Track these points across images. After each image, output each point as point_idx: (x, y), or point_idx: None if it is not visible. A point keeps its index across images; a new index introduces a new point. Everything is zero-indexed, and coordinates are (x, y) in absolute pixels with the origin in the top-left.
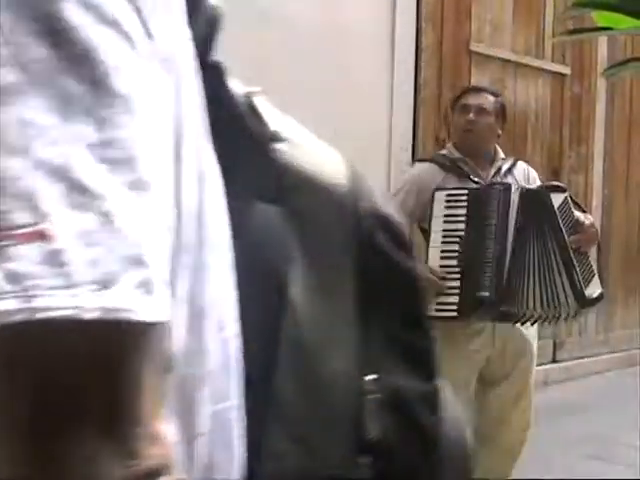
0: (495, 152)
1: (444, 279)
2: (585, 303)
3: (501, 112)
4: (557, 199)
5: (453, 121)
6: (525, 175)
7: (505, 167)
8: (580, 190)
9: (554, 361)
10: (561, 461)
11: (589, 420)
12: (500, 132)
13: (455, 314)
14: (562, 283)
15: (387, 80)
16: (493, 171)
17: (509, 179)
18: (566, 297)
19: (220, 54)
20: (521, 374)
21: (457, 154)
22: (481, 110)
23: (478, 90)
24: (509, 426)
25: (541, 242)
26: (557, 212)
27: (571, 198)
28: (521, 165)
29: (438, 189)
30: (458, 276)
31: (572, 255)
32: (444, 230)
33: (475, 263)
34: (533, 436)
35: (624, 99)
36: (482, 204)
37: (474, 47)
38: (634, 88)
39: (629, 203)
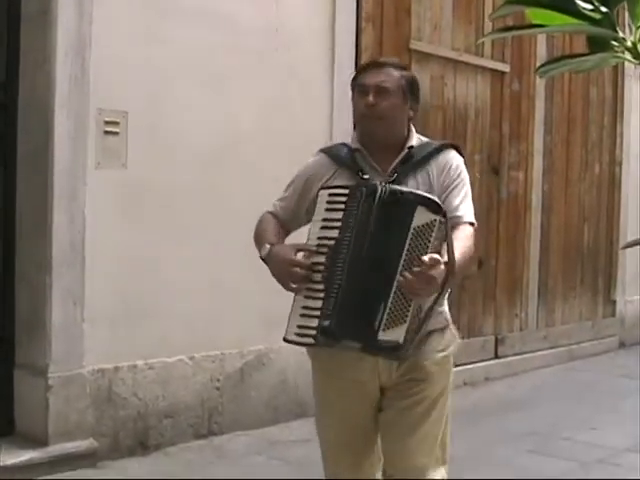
0: (407, 138)
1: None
2: (374, 345)
3: (409, 89)
4: (422, 217)
5: (353, 104)
6: (444, 168)
7: (415, 159)
8: (520, 187)
9: (496, 357)
10: (502, 455)
11: (530, 415)
12: (412, 113)
13: (312, 340)
14: (368, 312)
15: (328, 80)
16: (395, 164)
17: (416, 174)
18: (363, 330)
19: (158, 51)
20: (417, 403)
21: (355, 143)
22: (382, 90)
23: (379, 65)
24: (409, 457)
25: (379, 264)
26: (410, 233)
27: (445, 223)
28: (446, 155)
29: (323, 187)
30: (321, 295)
31: (392, 289)
32: (319, 238)
33: (330, 284)
34: (475, 431)
35: (563, 96)
36: (350, 209)
37: (414, 45)
38: (572, 85)
39: (568, 199)
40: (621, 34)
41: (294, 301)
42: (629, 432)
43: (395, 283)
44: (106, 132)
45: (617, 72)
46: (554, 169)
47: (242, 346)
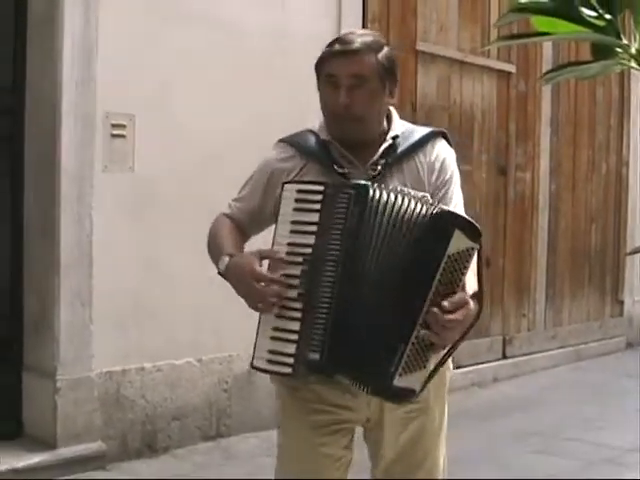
0: (389, 127)
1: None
2: (385, 391)
3: (387, 73)
4: (459, 244)
5: (319, 93)
6: (435, 162)
7: (400, 150)
8: (527, 187)
9: (504, 357)
10: (509, 455)
11: (538, 415)
12: (392, 99)
13: (289, 370)
14: (384, 351)
15: None
16: (376, 156)
17: (402, 169)
18: (375, 372)
19: (164, 54)
20: (416, 439)
21: (325, 134)
22: (357, 83)
23: (352, 53)
24: None
25: (393, 292)
26: (443, 262)
27: (479, 252)
28: (436, 146)
29: (288, 182)
30: (298, 315)
31: (415, 328)
32: (289, 244)
33: (313, 303)
34: (482, 431)
35: (569, 97)
36: (332, 212)
37: (420, 46)
38: (579, 85)
39: (575, 199)
40: (625, 41)
41: (260, 320)
42: (636, 432)
43: (420, 321)
44: (113, 135)
45: (623, 73)
46: (561, 169)
47: (250, 348)
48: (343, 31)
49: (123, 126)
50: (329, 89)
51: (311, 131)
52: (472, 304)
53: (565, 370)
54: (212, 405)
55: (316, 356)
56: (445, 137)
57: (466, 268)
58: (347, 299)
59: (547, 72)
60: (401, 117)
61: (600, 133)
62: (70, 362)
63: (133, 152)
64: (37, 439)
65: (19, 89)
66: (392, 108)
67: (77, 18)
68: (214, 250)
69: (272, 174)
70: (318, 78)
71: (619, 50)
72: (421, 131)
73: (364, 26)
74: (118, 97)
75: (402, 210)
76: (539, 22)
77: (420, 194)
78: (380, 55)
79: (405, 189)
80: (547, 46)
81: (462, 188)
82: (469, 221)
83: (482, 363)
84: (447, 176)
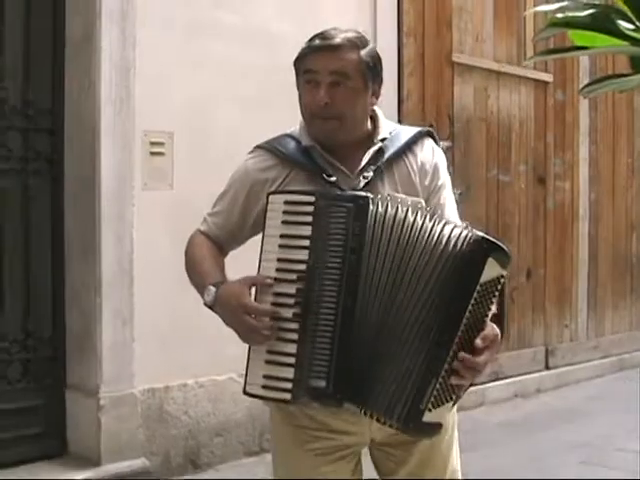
0: (374, 129)
1: (273, 332)
2: (415, 428)
3: (370, 71)
4: (491, 271)
5: (299, 94)
6: (425, 163)
7: (389, 153)
8: (566, 197)
9: (547, 368)
10: (554, 466)
11: (583, 426)
12: (376, 99)
13: (288, 396)
14: (412, 385)
15: None
16: (365, 160)
17: (393, 174)
18: (404, 405)
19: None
20: (426, 458)
21: (307, 139)
22: (337, 81)
23: (332, 48)
24: None
25: (424, 321)
26: (476, 292)
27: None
28: (425, 146)
29: (274, 192)
30: (295, 336)
31: (446, 361)
32: (279, 260)
33: (314, 325)
34: (526, 443)
35: (607, 104)
36: (327, 226)
37: (456, 58)
38: (616, 93)
39: (616, 207)
40: None
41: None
42: None
43: (450, 355)
44: (152, 153)
45: None
46: (600, 178)
47: None
48: (379, 45)
49: (162, 144)
50: (308, 87)
51: (290, 136)
52: (499, 333)
53: (608, 380)
54: (255, 420)
55: (321, 383)
56: (432, 136)
57: (495, 297)
58: (354, 322)
59: (586, 85)
60: (439, 129)
61: (638, 140)
62: (113, 380)
63: (172, 169)
64: (81, 457)
65: (58, 110)
66: (377, 109)
67: (114, 37)
68: (195, 277)
69: (252, 186)
70: (297, 76)
71: None
72: (408, 131)
73: (399, 39)
74: (156, 115)
75: (416, 228)
76: (576, 36)
77: (419, 202)
78: (363, 52)
79: (404, 197)
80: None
81: (501, 198)
82: (501, 247)
83: (525, 374)
84: (440, 181)
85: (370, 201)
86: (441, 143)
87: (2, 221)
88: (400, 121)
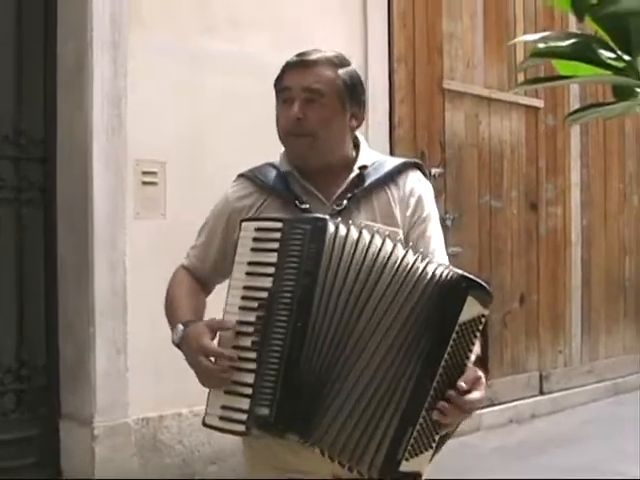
0: (355, 156)
1: (232, 365)
2: (391, 474)
3: (348, 92)
4: (470, 310)
5: (277, 117)
6: (410, 196)
7: (369, 181)
8: (559, 222)
9: (541, 393)
10: None
11: (578, 451)
12: (355, 123)
13: (242, 428)
14: (383, 433)
15: None
16: (342, 187)
17: (372, 204)
18: (375, 454)
19: (193, 100)
20: None
21: (285, 165)
22: (311, 97)
23: (306, 64)
24: None
25: (392, 361)
26: (455, 332)
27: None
28: (410, 178)
29: (246, 220)
30: (253, 366)
31: (423, 409)
32: (245, 287)
33: (267, 353)
34: (522, 468)
35: (598, 129)
36: (287, 251)
37: (447, 85)
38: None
39: (608, 232)
40: None
41: None
42: None
43: (428, 401)
44: (144, 182)
45: None
46: (593, 203)
47: None
48: (370, 72)
49: (154, 173)
50: (282, 105)
51: (271, 164)
52: (482, 375)
53: (603, 405)
54: None
55: (265, 411)
56: (420, 169)
57: (476, 337)
58: (303, 349)
59: (572, 112)
60: (430, 156)
61: (630, 164)
62: (107, 409)
63: (165, 199)
64: None
65: (50, 139)
66: (360, 136)
67: (106, 67)
68: (170, 315)
69: (230, 216)
70: (276, 98)
71: (639, 91)
72: (393, 161)
73: (390, 66)
74: (148, 144)
75: (384, 256)
76: (561, 66)
77: (393, 233)
78: (341, 71)
79: (375, 226)
80: None
81: (493, 224)
82: (482, 284)
83: (519, 400)
84: (424, 213)
85: (329, 223)
86: (433, 170)
87: None
88: (392, 148)
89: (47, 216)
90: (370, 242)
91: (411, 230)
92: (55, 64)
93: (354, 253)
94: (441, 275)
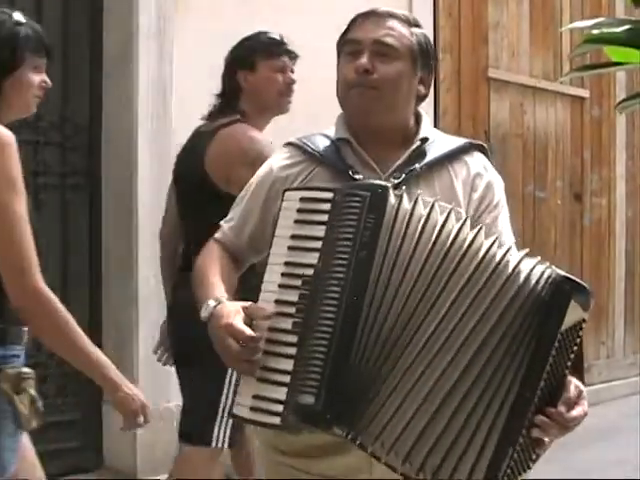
0: (417, 127)
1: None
2: None
3: (421, 52)
4: (572, 316)
5: (338, 73)
6: (476, 178)
7: (431, 156)
8: (603, 213)
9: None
10: None
11: (620, 444)
12: (423, 90)
13: (277, 420)
14: (478, 454)
15: None
16: (401, 160)
17: (432, 180)
18: (472, 472)
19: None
20: None
21: (342, 131)
22: (382, 50)
23: (379, 15)
24: None
25: (478, 363)
26: (560, 338)
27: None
28: (477, 160)
29: (290, 189)
30: (292, 351)
31: (528, 419)
32: (287, 264)
33: (309, 333)
34: (562, 461)
35: None
36: (339, 222)
37: (492, 74)
38: None
39: None
40: None
41: None
42: None
43: (529, 416)
44: None
45: None
46: (637, 194)
47: None
48: None
49: None
50: (348, 60)
51: (323, 134)
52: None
53: None
54: None
55: (310, 399)
56: (484, 153)
57: (576, 345)
58: (357, 330)
59: (621, 101)
60: None
61: None
62: (149, 394)
63: None
64: (118, 470)
65: (95, 128)
66: (421, 110)
67: (151, 53)
68: (202, 291)
69: (273, 184)
70: (339, 55)
71: None
72: (457, 140)
73: (435, 55)
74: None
75: (462, 242)
76: (612, 52)
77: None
78: (415, 30)
79: (447, 205)
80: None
81: (537, 215)
82: (584, 286)
83: None
84: (495, 200)
85: (390, 192)
86: None
87: (41, 235)
88: None
89: (92, 203)
90: (445, 223)
91: (478, 216)
92: (101, 51)
93: (422, 231)
94: (541, 275)
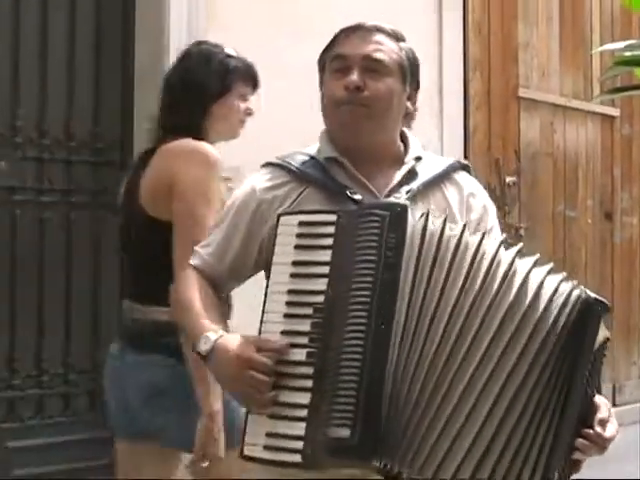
0: (404, 143)
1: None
2: None
3: (410, 68)
4: (601, 334)
5: (323, 90)
6: (471, 197)
7: (425, 175)
8: (634, 232)
9: (614, 405)
10: None
11: None
12: (412, 106)
13: (298, 458)
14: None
15: (437, 130)
16: (397, 180)
17: (428, 200)
18: None
19: (269, 106)
20: None
21: (330, 150)
22: (372, 65)
23: (367, 30)
24: None
25: (517, 386)
26: (593, 357)
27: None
28: (469, 180)
29: (285, 213)
30: (309, 384)
31: (569, 444)
32: (291, 291)
33: (335, 365)
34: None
35: None
36: (351, 244)
37: (522, 93)
38: None
39: None
40: None
41: None
42: None
43: (569, 442)
44: None
45: None
46: None
47: None
48: (445, 79)
49: (229, 179)
50: (335, 76)
51: (302, 152)
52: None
53: None
54: None
55: (345, 432)
56: (469, 172)
57: (602, 364)
58: (390, 347)
59: None
60: (505, 164)
61: None
62: None
63: None
64: None
65: (127, 143)
66: (406, 129)
67: None
68: (190, 321)
69: (258, 208)
70: (322, 70)
71: None
72: (444, 159)
73: (465, 74)
74: (223, 149)
75: (490, 260)
76: None
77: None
78: (403, 45)
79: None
80: None
81: (568, 234)
82: (607, 304)
83: None
84: (489, 225)
85: (409, 211)
86: (507, 178)
87: (70, 252)
88: (466, 156)
89: None
90: (468, 240)
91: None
92: (132, 66)
93: (446, 250)
94: (570, 294)
